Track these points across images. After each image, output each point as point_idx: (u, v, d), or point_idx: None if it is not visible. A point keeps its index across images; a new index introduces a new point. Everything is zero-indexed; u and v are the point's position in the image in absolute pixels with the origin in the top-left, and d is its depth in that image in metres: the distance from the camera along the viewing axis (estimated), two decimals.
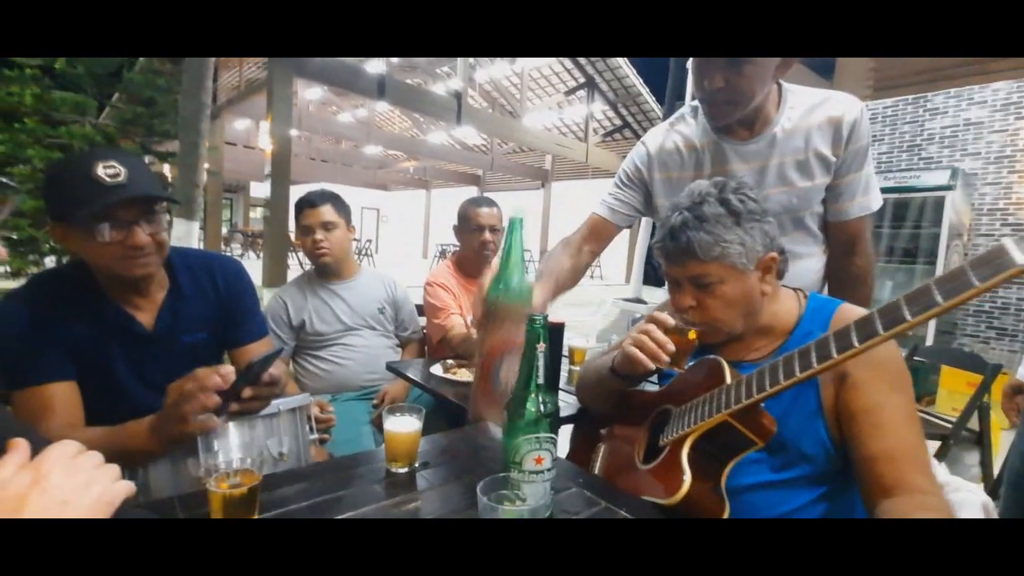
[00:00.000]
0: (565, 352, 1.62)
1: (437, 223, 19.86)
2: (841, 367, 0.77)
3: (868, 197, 1.16)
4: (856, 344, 0.60)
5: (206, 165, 8.80)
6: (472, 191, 18.23)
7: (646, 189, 1.28)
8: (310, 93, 12.03)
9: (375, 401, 1.67)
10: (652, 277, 6.63)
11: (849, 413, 0.76)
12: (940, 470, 0.85)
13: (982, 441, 2.15)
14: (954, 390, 3.47)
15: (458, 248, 1.95)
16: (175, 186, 4.46)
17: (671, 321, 0.83)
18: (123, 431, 0.83)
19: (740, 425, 0.74)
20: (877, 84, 5.14)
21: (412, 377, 1.48)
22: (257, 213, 17.82)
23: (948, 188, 4.07)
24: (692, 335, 0.83)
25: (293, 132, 12.74)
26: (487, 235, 1.81)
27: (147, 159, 5.03)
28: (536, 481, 0.69)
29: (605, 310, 6.12)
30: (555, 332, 1.32)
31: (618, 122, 13.35)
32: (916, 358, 2.60)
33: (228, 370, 0.78)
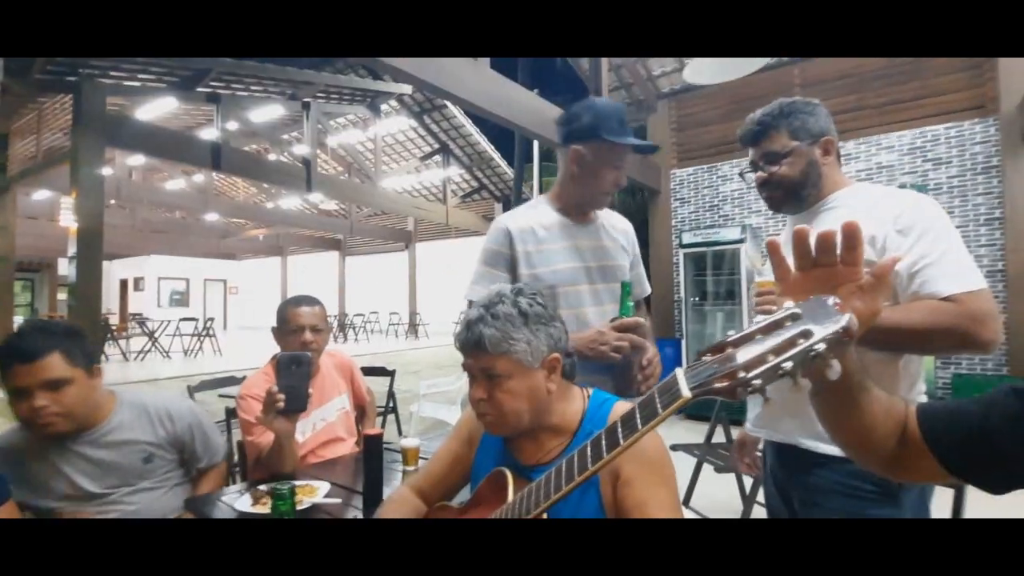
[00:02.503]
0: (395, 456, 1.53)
1: (295, 292, 18.60)
2: (614, 464, 0.83)
3: None
4: (621, 442, 0.63)
5: None
6: (333, 256, 17.53)
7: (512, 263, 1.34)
8: (132, 159, 10.82)
9: None
10: None
11: (624, 510, 0.81)
12: None
13: None
14: None
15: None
16: None
17: None
18: None
19: None
20: (680, 155, 6.03)
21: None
22: (66, 295, 15.18)
23: (740, 241, 4.85)
24: None
25: (112, 202, 11.31)
26: (308, 335, 1.65)
27: None
28: None
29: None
30: (372, 444, 1.25)
31: (475, 184, 13.95)
32: None
33: None
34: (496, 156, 12.92)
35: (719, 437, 2.90)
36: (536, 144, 7.38)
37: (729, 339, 0.52)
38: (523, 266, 1.32)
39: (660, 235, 5.95)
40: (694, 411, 5.22)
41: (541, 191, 8.60)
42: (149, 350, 9.52)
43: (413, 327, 14.41)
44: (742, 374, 0.48)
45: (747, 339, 0.51)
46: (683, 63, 4.66)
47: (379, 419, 3.99)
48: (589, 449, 0.65)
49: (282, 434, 1.37)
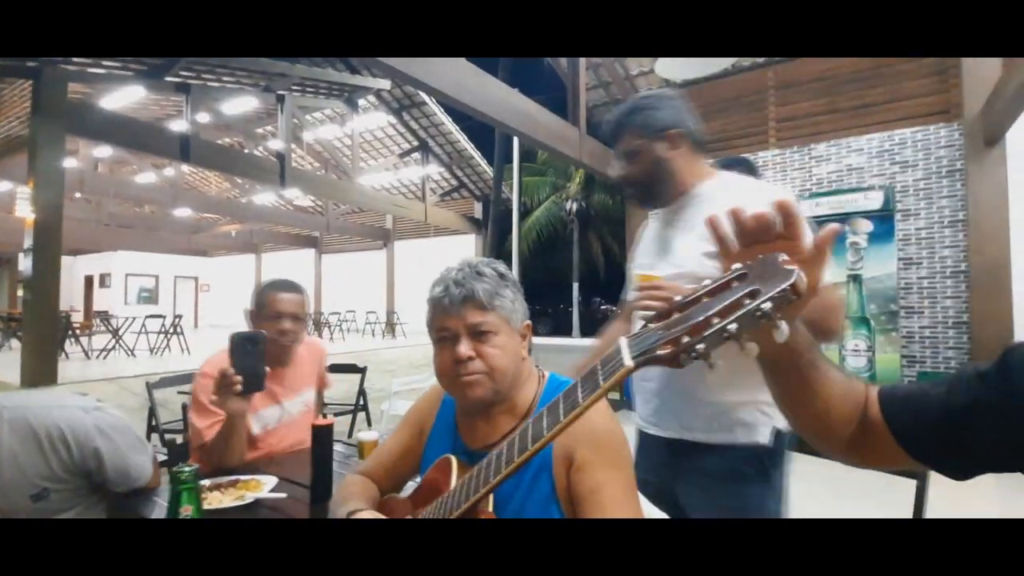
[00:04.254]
0: (345, 448, 1.47)
1: None
2: (567, 448, 0.79)
3: None
4: (562, 418, 0.58)
5: None
6: (309, 254, 17.22)
7: None
8: (98, 151, 10.45)
9: None
10: None
11: (578, 496, 0.77)
12: None
13: None
14: None
15: None
16: None
17: None
18: None
19: None
20: None
21: None
22: None
23: None
24: None
25: (77, 195, 10.89)
26: (287, 324, 1.53)
27: None
28: None
29: None
30: (321, 434, 1.19)
31: (454, 182, 13.85)
32: None
33: None
34: (476, 155, 12.85)
35: None
36: (516, 143, 7.35)
37: (675, 303, 0.49)
38: None
39: (636, 233, 5.96)
40: None
41: (520, 191, 8.51)
42: (112, 348, 9.19)
43: (391, 326, 14.23)
44: (686, 339, 0.45)
45: (693, 302, 0.47)
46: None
47: (348, 417, 3.91)
48: (531, 428, 0.60)
49: (236, 414, 1.29)
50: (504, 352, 0.83)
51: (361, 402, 3.88)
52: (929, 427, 0.53)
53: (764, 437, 1.10)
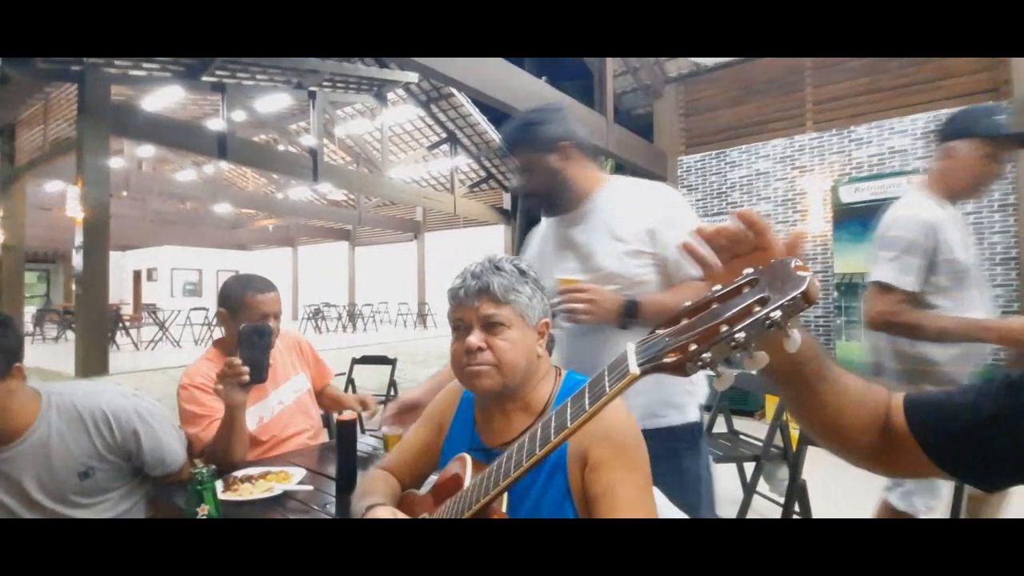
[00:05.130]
0: (371, 442, 1.50)
1: (306, 282, 18.74)
2: (581, 448, 0.78)
3: None
4: (569, 424, 0.58)
5: (0, 238, 7.47)
6: (343, 246, 17.59)
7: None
8: (142, 150, 10.88)
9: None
10: None
11: (592, 496, 0.76)
12: None
13: (787, 455, 2.41)
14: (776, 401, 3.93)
15: (226, 336, 1.60)
16: None
17: None
18: None
19: None
20: (688, 141, 5.92)
21: None
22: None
23: None
24: None
25: (123, 194, 11.40)
26: (271, 324, 1.52)
27: None
28: None
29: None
30: (346, 430, 1.21)
31: (483, 174, 13.86)
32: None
33: None
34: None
35: (720, 427, 2.84)
36: None
37: (684, 308, 0.48)
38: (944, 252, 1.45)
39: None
40: None
41: None
42: (160, 339, 9.64)
43: (422, 317, 14.43)
44: (693, 347, 0.43)
45: (702, 308, 0.46)
46: None
47: (379, 408, 3.99)
48: (539, 432, 0.60)
49: (236, 406, 1.31)
50: (515, 346, 0.84)
51: (392, 392, 3.95)
52: (956, 437, 0.50)
53: (694, 415, 1.22)
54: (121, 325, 9.48)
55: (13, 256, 7.55)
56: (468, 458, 0.78)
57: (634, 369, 0.47)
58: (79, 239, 5.65)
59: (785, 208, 5.21)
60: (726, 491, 2.79)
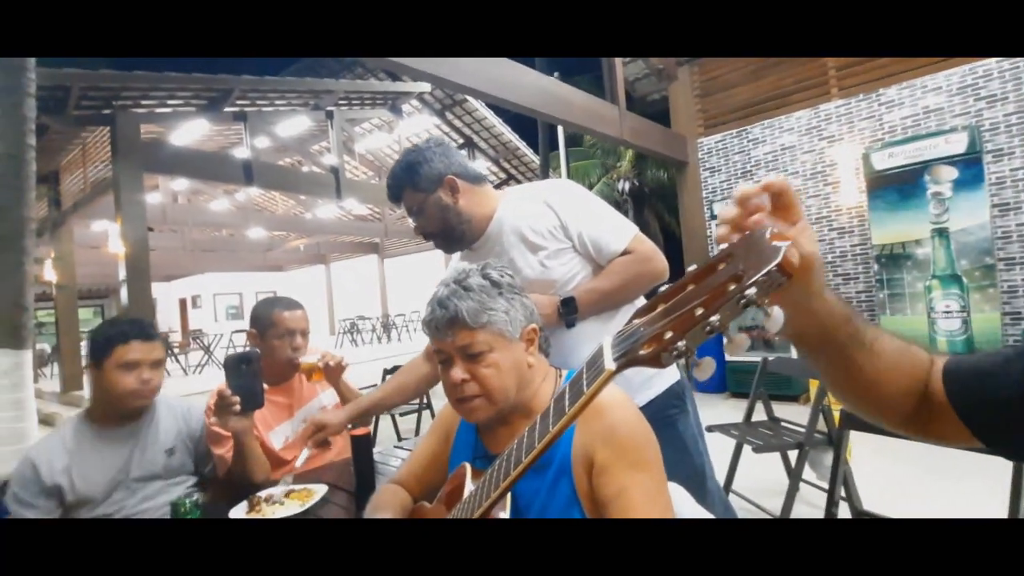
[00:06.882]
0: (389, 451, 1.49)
1: (341, 298, 19.16)
2: (586, 450, 0.75)
3: None
4: (551, 427, 0.55)
5: (54, 279, 7.90)
6: (372, 259, 17.89)
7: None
8: (176, 184, 11.34)
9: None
10: None
11: (602, 500, 0.73)
12: None
13: (832, 440, 2.29)
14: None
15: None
16: None
17: None
18: None
19: None
20: (706, 122, 5.75)
21: None
22: None
23: None
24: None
25: (163, 227, 11.90)
26: (299, 340, 1.60)
27: None
28: None
29: None
30: (361, 444, 1.21)
31: (503, 175, 13.85)
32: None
33: None
34: (522, 145, 12.76)
35: (760, 415, 2.73)
36: (560, 130, 7.23)
37: (660, 293, 0.44)
38: None
39: (691, 208, 5.70)
40: (738, 388, 4.99)
41: (569, 177, 8.42)
42: (206, 363, 10.00)
43: None
44: (668, 335, 0.40)
45: (679, 290, 0.42)
46: None
47: (412, 416, 4.02)
48: (524, 438, 0.57)
49: (240, 432, 1.34)
50: (499, 370, 0.80)
51: (425, 401, 3.98)
52: (995, 407, 0.47)
53: (675, 375, 1.22)
54: (170, 352, 9.88)
55: (66, 295, 7.97)
56: (468, 467, 0.75)
57: (609, 365, 0.44)
58: (122, 273, 5.92)
59: (816, 181, 4.99)
60: (771, 481, 2.68)
